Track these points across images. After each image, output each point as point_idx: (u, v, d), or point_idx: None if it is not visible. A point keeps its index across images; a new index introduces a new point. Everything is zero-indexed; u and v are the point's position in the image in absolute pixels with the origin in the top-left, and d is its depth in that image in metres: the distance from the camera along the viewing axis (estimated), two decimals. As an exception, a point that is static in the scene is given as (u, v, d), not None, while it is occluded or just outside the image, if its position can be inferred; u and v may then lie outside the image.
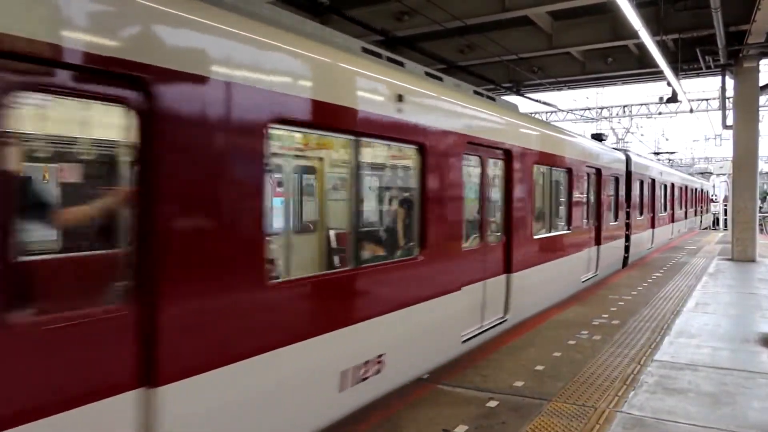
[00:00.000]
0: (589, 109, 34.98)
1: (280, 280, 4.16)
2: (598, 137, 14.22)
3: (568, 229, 9.81)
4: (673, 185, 21.75)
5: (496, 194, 7.20)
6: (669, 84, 14.97)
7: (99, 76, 2.70)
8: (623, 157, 14.12)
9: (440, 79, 6.37)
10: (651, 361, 5.99)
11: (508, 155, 7.19)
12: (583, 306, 8.89)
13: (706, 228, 35.09)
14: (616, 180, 13.20)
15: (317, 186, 5.95)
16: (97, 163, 4.08)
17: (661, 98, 24.39)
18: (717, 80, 17.13)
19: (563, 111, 32.00)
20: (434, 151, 5.46)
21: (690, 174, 35.79)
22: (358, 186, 4.65)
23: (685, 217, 26.22)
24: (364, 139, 4.69)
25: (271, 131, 3.65)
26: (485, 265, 6.65)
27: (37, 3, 2.51)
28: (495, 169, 7.15)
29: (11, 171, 2.47)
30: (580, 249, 10.38)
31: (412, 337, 5.20)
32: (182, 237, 3.08)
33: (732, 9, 11.98)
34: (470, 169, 6.52)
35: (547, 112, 31.48)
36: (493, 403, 4.81)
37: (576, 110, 33.51)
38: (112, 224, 3.05)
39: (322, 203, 6.08)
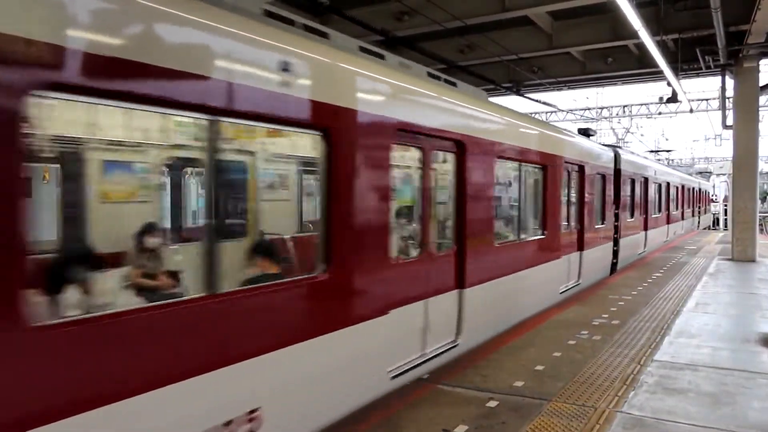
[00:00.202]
0: (589, 109, 35.00)
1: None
2: (585, 132, 13.29)
3: (543, 234, 8.77)
4: (668, 184, 21.06)
5: (444, 194, 6.20)
6: (669, 84, 14.96)
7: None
8: (611, 154, 13.24)
9: (381, 56, 5.44)
10: (651, 361, 5.98)
11: (460, 147, 6.12)
12: (583, 306, 8.88)
13: (706, 228, 35.09)
14: (603, 178, 12.26)
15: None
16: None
17: (661, 98, 24.39)
18: (717, 80, 17.17)
19: (563, 111, 32.00)
20: (346, 138, 4.41)
21: (689, 174, 35.77)
22: (213, 182, 3.56)
23: (682, 218, 25.53)
24: (227, 121, 3.58)
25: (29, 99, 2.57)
26: (428, 280, 5.62)
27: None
28: (443, 163, 6.16)
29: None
30: (557, 256, 9.31)
31: (308, 380, 4.05)
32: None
33: (732, 9, 11.98)
34: (407, 162, 5.63)
35: (547, 112, 31.50)
36: (493, 403, 4.81)
37: (576, 110, 33.52)
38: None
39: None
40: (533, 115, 22.27)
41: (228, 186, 4.94)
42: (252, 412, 3.55)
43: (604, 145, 14.24)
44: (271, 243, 4.93)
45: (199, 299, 3.36)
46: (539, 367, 5.78)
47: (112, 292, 4.33)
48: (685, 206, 26.66)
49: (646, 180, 16.66)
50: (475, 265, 6.36)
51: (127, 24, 2.95)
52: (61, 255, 4.36)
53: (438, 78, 6.37)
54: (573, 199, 10.41)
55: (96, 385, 2.76)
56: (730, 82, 15.14)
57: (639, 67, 17.04)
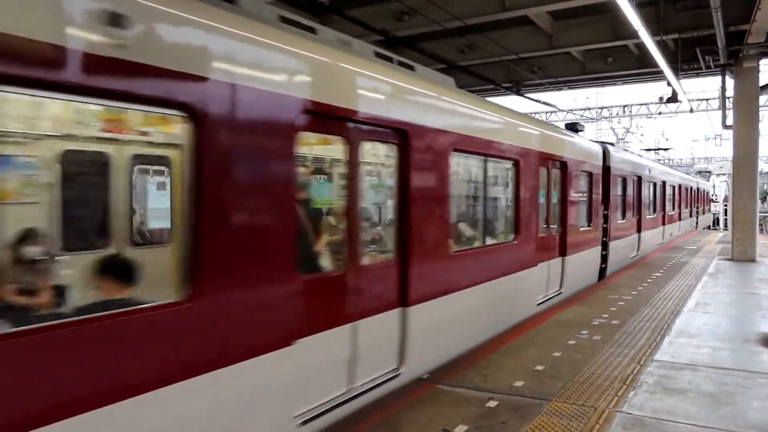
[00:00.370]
0: (589, 109, 35.07)
1: None
2: (572, 126, 12.36)
3: (515, 239, 7.74)
4: (664, 184, 20.03)
5: (379, 194, 5.36)
6: (669, 84, 14.97)
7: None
8: (598, 150, 12.09)
9: (313, 30, 4.56)
10: (651, 361, 5.98)
11: (403, 137, 5.14)
12: (583, 306, 8.89)
13: (706, 228, 35.08)
14: (590, 176, 11.21)
15: None
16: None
17: (661, 98, 24.37)
18: (717, 80, 17.18)
19: (563, 111, 32.03)
20: (226, 123, 3.38)
21: (687, 173, 35.66)
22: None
23: (679, 219, 24.58)
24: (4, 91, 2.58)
25: None
26: (356, 299, 4.61)
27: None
28: (378, 156, 5.23)
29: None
30: (533, 263, 8.28)
31: None
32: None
33: (732, 9, 11.99)
34: (325, 153, 4.88)
35: (547, 112, 31.53)
36: (493, 403, 4.81)
37: (576, 110, 33.56)
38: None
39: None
40: (533, 115, 22.22)
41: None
42: None
43: (594, 141, 13.46)
44: (123, 259, 3.86)
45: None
46: (539, 367, 5.78)
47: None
48: (683, 206, 25.97)
49: (640, 179, 15.77)
50: (422, 278, 5.39)
51: None
52: None
53: (390, 59, 5.52)
54: (553, 199, 9.41)
55: None
56: (730, 82, 15.14)
57: (639, 67, 17.05)
